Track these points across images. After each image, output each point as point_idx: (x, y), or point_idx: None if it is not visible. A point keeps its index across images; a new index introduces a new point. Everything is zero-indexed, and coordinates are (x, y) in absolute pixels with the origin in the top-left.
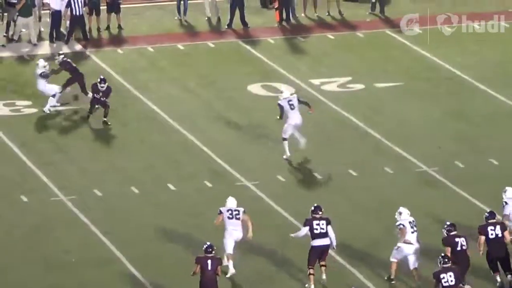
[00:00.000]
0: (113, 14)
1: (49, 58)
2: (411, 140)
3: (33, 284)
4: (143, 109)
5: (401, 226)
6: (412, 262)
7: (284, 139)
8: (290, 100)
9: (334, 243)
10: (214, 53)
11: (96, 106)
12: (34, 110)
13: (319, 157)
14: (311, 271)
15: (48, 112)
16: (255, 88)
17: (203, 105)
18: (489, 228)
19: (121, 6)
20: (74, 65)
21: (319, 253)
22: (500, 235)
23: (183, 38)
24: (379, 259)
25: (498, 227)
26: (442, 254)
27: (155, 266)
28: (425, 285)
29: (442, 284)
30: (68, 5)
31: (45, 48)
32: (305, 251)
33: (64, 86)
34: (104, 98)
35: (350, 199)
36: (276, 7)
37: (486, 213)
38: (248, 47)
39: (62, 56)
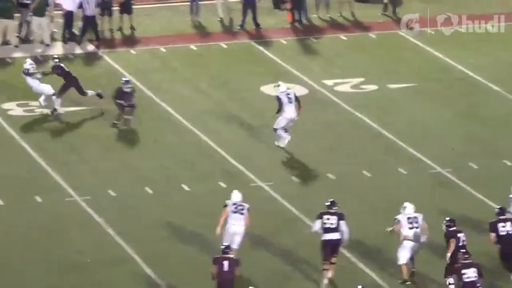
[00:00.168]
0: (125, 14)
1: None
2: (424, 141)
3: (48, 285)
4: (156, 109)
5: (396, 220)
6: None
7: (275, 129)
8: (288, 94)
9: (345, 238)
10: (227, 53)
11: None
12: (47, 110)
13: (333, 158)
14: (325, 266)
15: (60, 112)
16: (268, 89)
17: (216, 105)
18: (500, 224)
19: (133, 7)
20: (67, 69)
21: (330, 248)
22: (511, 231)
23: (196, 38)
24: (390, 258)
25: (508, 223)
26: (463, 250)
27: (168, 266)
28: (430, 284)
29: (463, 280)
30: (80, 5)
31: (58, 48)
32: (319, 251)
33: (60, 93)
34: (129, 102)
35: (363, 200)
36: (288, 8)
37: (496, 209)
38: (260, 48)
39: (57, 60)
